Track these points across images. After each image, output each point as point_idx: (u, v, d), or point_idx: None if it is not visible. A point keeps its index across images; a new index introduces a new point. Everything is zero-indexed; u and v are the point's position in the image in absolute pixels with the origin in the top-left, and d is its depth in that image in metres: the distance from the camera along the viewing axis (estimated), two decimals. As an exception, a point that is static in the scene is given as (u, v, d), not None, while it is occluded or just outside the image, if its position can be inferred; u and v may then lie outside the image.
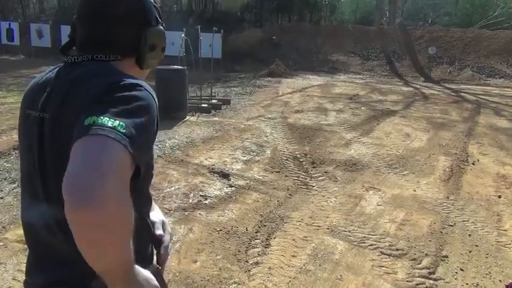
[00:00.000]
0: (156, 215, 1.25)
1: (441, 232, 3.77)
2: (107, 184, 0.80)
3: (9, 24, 20.35)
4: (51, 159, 1.02)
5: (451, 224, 3.94)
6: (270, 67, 16.19)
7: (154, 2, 1.15)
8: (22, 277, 2.70)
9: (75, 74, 1.03)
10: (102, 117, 0.86)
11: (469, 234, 3.75)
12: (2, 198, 4.09)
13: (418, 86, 14.95)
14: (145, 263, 1.15)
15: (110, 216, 0.81)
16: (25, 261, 2.83)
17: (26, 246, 3.00)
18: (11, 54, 20.25)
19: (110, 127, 0.85)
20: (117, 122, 0.87)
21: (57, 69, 1.11)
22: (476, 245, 3.56)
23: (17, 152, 5.58)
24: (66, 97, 0.99)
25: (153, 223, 1.21)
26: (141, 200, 1.11)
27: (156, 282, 1.00)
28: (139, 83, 1.00)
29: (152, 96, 1.00)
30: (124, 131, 0.86)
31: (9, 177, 4.66)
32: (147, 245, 1.19)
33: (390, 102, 10.98)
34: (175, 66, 8.06)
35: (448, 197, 4.58)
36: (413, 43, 20.50)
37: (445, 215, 4.13)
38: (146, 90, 1.00)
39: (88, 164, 0.82)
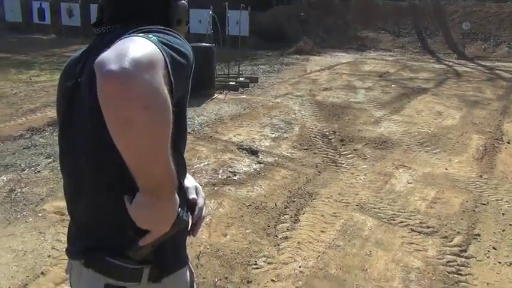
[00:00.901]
0: (188, 180, 1.26)
1: (473, 211, 3.70)
2: (134, 59, 0.76)
3: (40, 4, 20.66)
4: (82, 122, 1.02)
5: (484, 202, 3.86)
6: (298, 44, 15.98)
7: None
8: (60, 246, 2.83)
9: (111, 37, 1.00)
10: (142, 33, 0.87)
11: (503, 213, 3.67)
12: (39, 172, 4.23)
13: (450, 63, 14.50)
14: (182, 230, 1.18)
15: (137, 88, 0.74)
16: (62, 231, 2.95)
17: (63, 217, 3.12)
18: (42, 33, 20.61)
19: (142, 36, 0.85)
20: (151, 35, 0.86)
21: (88, 46, 1.14)
22: (510, 224, 3.49)
23: (51, 127, 5.74)
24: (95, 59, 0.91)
25: (187, 188, 1.22)
26: (180, 162, 1.12)
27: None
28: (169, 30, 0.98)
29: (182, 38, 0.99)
30: (158, 39, 0.86)
31: (45, 152, 4.80)
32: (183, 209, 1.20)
33: (421, 79, 10.70)
34: (203, 44, 8.06)
35: (481, 176, 4.48)
36: (446, 19, 19.81)
37: (477, 193, 4.05)
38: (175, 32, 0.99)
39: (119, 48, 0.79)
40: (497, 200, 3.93)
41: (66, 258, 1.21)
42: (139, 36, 0.86)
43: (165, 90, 0.80)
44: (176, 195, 0.94)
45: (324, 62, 13.69)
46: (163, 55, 0.84)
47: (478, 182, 4.30)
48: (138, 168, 0.83)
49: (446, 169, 4.65)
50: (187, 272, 1.21)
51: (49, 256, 2.85)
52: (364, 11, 20.78)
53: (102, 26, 1.13)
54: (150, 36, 0.86)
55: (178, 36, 0.97)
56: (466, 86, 9.99)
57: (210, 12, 9.04)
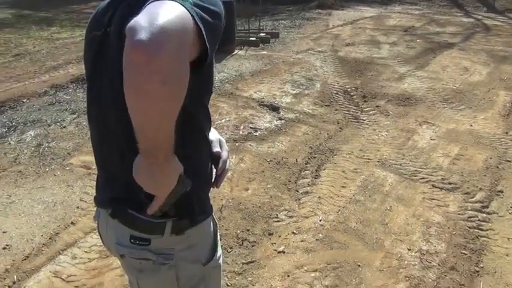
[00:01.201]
0: (212, 134, 1.27)
1: (497, 167, 3.66)
2: (164, 33, 0.75)
3: (59, -42, 20.40)
4: (109, 72, 1.01)
5: (508, 159, 3.81)
6: (320, -2, 15.49)
7: None
8: (88, 198, 2.93)
9: None
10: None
11: (528, 170, 3.62)
12: (65, 127, 4.33)
13: (479, 17, 13.91)
14: (206, 183, 1.20)
15: (161, 63, 0.75)
16: (89, 184, 3.04)
17: (89, 171, 3.22)
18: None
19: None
20: None
21: None
22: (535, 181, 3.45)
23: (74, 84, 5.82)
24: (133, 8, 0.89)
25: (211, 141, 1.24)
26: (205, 115, 1.14)
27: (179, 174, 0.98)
28: None
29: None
30: (194, 2, 0.84)
31: (70, 108, 4.89)
32: (207, 163, 1.21)
33: (448, 34, 10.33)
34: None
35: (506, 133, 4.39)
36: (477, -31, 18.84)
37: (502, 150, 3.98)
38: None
39: (149, 12, 0.78)
40: (522, 157, 3.87)
41: (94, 208, 1.26)
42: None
43: (186, 66, 0.80)
44: (177, 161, 0.95)
45: (346, 16, 13.28)
46: (197, 22, 0.82)
47: (503, 139, 4.23)
48: (141, 131, 0.84)
49: (471, 126, 4.56)
50: (211, 222, 1.23)
51: (78, 207, 2.96)
52: (390, -38, 19.87)
53: None
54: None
55: None
56: (495, 41, 9.61)
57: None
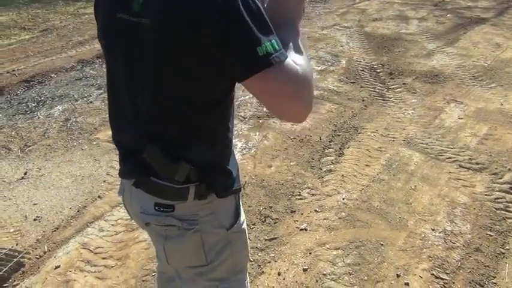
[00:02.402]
0: None
1: (528, 148, 3.56)
2: (305, 98, 0.96)
3: None
4: (149, 64, 1.00)
5: (540, 140, 3.70)
6: (347, -29, 15.05)
7: None
8: (114, 173, 2.99)
9: None
10: (265, 44, 0.90)
11: (560, 151, 3.51)
12: (91, 102, 4.40)
13: (515, -10, 13.32)
14: (228, 159, 1.19)
15: (310, 99, 0.99)
16: (115, 159, 3.10)
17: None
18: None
19: (274, 51, 0.91)
20: (272, 40, 0.92)
21: None
22: None
23: (100, 60, 5.87)
24: (167, 3, 0.93)
25: None
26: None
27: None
28: None
29: None
30: (278, 46, 0.92)
31: (96, 84, 4.95)
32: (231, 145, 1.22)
33: (480, 8, 9.94)
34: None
35: (539, 112, 4.25)
36: None
37: (534, 130, 3.87)
38: None
39: (287, 96, 0.95)
40: (554, 137, 3.74)
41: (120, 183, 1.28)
42: (277, 60, 0.91)
43: (312, 82, 1.01)
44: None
45: (374, -10, 12.92)
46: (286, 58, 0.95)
47: (535, 119, 4.10)
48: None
49: (502, 104, 4.43)
50: (235, 196, 1.25)
51: (104, 181, 3.03)
52: None
53: None
54: (274, 44, 0.92)
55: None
56: (531, 15, 9.23)
57: None
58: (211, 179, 1.12)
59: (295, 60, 0.97)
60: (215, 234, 1.18)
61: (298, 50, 1.03)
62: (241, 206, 1.27)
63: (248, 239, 1.32)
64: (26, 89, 4.90)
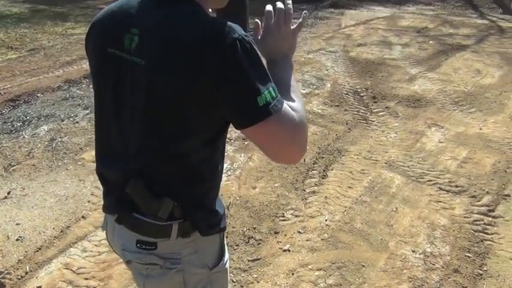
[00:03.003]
0: None
1: (505, 171, 3.66)
2: (300, 143, 1.02)
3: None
4: (141, 102, 1.01)
5: (517, 164, 3.81)
6: (333, -3, 15.45)
7: None
8: (99, 193, 2.99)
9: (162, 16, 1.00)
10: (264, 93, 0.93)
11: (536, 175, 3.62)
12: (77, 122, 4.41)
13: (494, 19, 13.76)
14: (214, 197, 1.19)
15: (305, 144, 1.05)
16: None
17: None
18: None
19: (272, 99, 0.94)
20: (270, 87, 0.95)
21: (136, 3, 1.06)
22: (543, 186, 3.45)
23: (87, 80, 5.90)
24: (161, 42, 0.96)
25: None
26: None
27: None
28: (233, 27, 0.96)
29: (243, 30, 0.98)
30: (275, 93, 0.96)
31: (83, 104, 4.97)
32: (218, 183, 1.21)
33: (461, 36, 10.26)
34: (236, -3, 7.93)
35: (516, 137, 4.38)
36: (493, -30, 18.61)
37: (511, 154, 3.98)
38: (241, 31, 0.96)
39: (284, 143, 1.00)
40: (531, 161, 3.86)
41: None
42: (275, 109, 0.95)
43: (306, 127, 1.08)
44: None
45: (359, 16, 13.24)
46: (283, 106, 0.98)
47: (512, 143, 4.22)
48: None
49: (481, 129, 4.55)
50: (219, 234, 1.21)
51: (89, 201, 3.04)
52: (405, -39, 19.73)
53: None
54: (271, 91, 0.96)
55: (241, 36, 0.94)
56: (509, 43, 9.52)
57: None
58: (196, 216, 1.10)
59: (291, 105, 1.01)
60: (198, 274, 1.15)
61: (294, 90, 1.08)
62: (225, 245, 1.25)
63: (229, 271, 1.31)
64: (11, 108, 4.90)
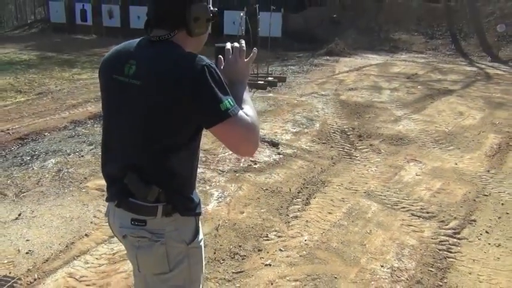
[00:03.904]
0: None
1: (474, 200, 3.98)
2: (253, 139, 1.40)
3: (83, 5, 21.76)
4: (137, 112, 1.40)
5: (486, 194, 4.13)
6: (329, 46, 16.21)
7: None
8: (100, 215, 3.34)
9: (153, 52, 1.40)
10: (225, 102, 1.32)
11: (502, 204, 3.93)
12: (83, 156, 4.79)
13: (483, 66, 14.41)
14: (190, 188, 1.57)
15: (257, 144, 1.43)
16: (102, 204, 3.47)
17: (103, 193, 3.66)
18: (84, 33, 21.70)
19: (231, 106, 1.33)
20: (228, 98, 1.34)
21: (135, 44, 1.47)
22: (507, 213, 3.76)
23: (92, 120, 6.33)
24: (152, 70, 1.35)
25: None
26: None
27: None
28: (199, 58, 1.37)
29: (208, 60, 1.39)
30: (233, 103, 1.35)
31: (87, 141, 5.37)
32: (192, 174, 1.58)
33: (449, 81, 10.79)
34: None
35: (488, 171, 4.72)
36: (481, 21, 19.54)
37: (482, 186, 4.31)
38: (207, 60, 1.37)
39: (240, 139, 1.39)
40: (499, 192, 4.18)
41: (106, 224, 1.63)
42: (234, 113, 1.34)
43: (258, 128, 1.45)
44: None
45: (353, 63, 13.91)
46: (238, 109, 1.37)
47: (484, 176, 4.56)
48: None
49: (456, 164, 4.91)
50: (195, 218, 1.58)
51: (91, 222, 3.36)
52: (397, 13, 20.77)
53: (152, 30, 1.47)
54: (230, 101, 1.34)
55: (206, 64, 1.34)
56: (494, 88, 10.02)
57: (242, 14, 9.50)
58: (176, 201, 1.48)
59: (246, 111, 1.42)
60: (177, 247, 1.50)
61: (248, 102, 1.50)
62: (200, 228, 1.61)
63: (204, 258, 1.63)
64: (20, 145, 5.28)
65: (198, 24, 1.45)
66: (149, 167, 1.43)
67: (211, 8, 1.51)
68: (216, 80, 1.34)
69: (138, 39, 1.51)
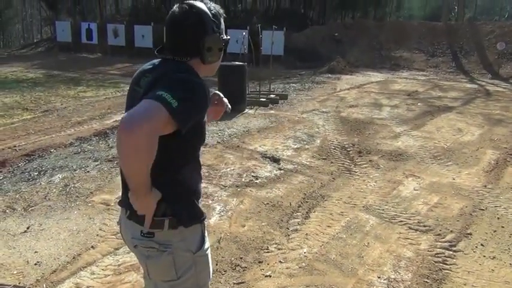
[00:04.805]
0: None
1: (471, 214, 4.07)
2: (144, 122, 1.31)
3: (89, 24, 22.22)
4: None
5: (482, 208, 4.22)
6: (331, 64, 16.46)
7: (214, 16, 1.61)
8: (106, 228, 3.45)
9: (163, 69, 1.57)
10: (167, 93, 1.39)
11: (498, 218, 4.02)
12: (88, 172, 4.92)
13: (483, 83, 14.59)
14: (195, 197, 1.69)
15: (137, 140, 1.30)
16: (108, 217, 3.58)
17: (108, 207, 3.81)
18: (89, 52, 22.10)
19: (166, 98, 1.38)
20: (172, 95, 1.38)
21: (153, 63, 1.65)
22: (503, 227, 3.84)
23: (97, 137, 6.48)
24: (156, 82, 1.49)
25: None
26: (195, 157, 1.69)
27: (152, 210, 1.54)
28: (193, 78, 1.52)
29: (201, 85, 1.51)
30: (172, 101, 1.37)
31: (93, 157, 5.51)
32: (196, 184, 1.71)
33: (449, 98, 10.94)
34: (236, 63, 8.70)
35: (485, 186, 4.81)
36: (482, 39, 19.81)
37: (478, 200, 4.40)
38: (196, 81, 1.51)
39: (141, 110, 1.35)
40: (495, 206, 4.27)
41: (112, 235, 1.76)
42: (159, 96, 1.37)
43: (154, 140, 1.36)
44: (153, 194, 1.51)
45: (354, 81, 14.10)
46: (170, 113, 1.36)
47: (481, 191, 4.65)
48: (127, 177, 1.44)
49: (454, 179, 5.01)
50: (200, 226, 1.71)
51: (97, 235, 3.46)
52: (398, 31, 21.06)
53: (163, 52, 1.65)
54: (168, 95, 1.38)
55: (191, 79, 1.50)
56: (494, 105, 10.16)
57: (244, 33, 9.72)
58: (180, 213, 1.59)
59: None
60: (184, 256, 1.62)
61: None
62: (206, 236, 1.73)
63: (211, 263, 1.76)
64: (27, 161, 5.41)
65: (211, 54, 1.60)
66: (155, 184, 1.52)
67: (224, 37, 1.65)
68: (185, 88, 1.44)
69: (160, 59, 1.67)
